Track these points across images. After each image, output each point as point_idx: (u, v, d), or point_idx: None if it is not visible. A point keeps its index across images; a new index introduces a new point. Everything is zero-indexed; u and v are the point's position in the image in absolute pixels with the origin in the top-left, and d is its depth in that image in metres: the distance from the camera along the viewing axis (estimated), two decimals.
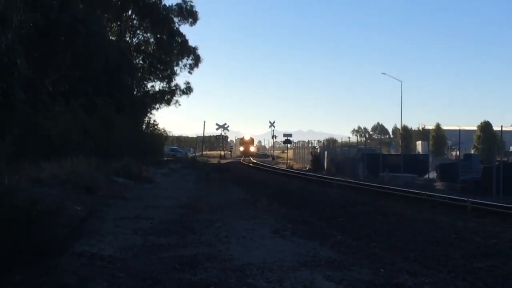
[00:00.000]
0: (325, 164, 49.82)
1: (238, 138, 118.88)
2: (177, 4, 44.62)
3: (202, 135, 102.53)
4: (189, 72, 47.55)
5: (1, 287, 4.41)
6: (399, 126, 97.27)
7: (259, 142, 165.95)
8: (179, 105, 48.30)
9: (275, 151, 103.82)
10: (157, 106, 46.90)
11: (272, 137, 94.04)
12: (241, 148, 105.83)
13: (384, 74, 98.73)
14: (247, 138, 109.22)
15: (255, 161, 73.23)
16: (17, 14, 10.48)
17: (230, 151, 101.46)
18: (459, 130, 37.15)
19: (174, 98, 47.32)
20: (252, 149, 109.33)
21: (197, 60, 47.47)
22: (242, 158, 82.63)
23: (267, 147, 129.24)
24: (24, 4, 20.44)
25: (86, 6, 30.61)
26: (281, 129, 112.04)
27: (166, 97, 46.59)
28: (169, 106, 47.59)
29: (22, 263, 4.64)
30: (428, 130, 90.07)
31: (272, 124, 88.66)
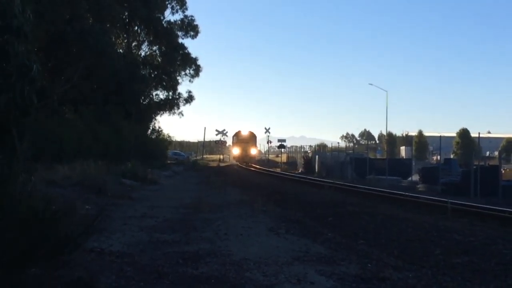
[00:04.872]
0: (316, 168, 49.83)
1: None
2: (180, 19, 44.86)
3: (202, 140, 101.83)
4: (190, 81, 47.62)
5: (20, 281, 4.43)
6: (384, 133, 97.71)
7: None
8: (182, 115, 48.34)
9: (270, 155, 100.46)
10: (161, 113, 46.90)
11: (267, 142, 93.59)
12: (236, 150, 73.52)
13: (371, 84, 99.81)
14: (245, 133, 74.50)
15: (254, 165, 61.73)
16: (30, 26, 10.50)
17: (229, 155, 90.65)
18: (440, 136, 37.29)
19: (178, 107, 47.25)
20: (254, 151, 75.37)
21: (197, 70, 47.52)
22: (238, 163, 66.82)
23: (263, 152, 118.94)
24: (38, 17, 20.44)
25: (95, 20, 30.65)
26: (275, 135, 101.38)
27: (169, 105, 46.53)
28: (173, 115, 47.52)
29: (38, 258, 4.66)
30: (411, 136, 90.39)
31: (267, 130, 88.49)
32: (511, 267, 7.28)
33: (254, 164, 64.24)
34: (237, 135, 75.57)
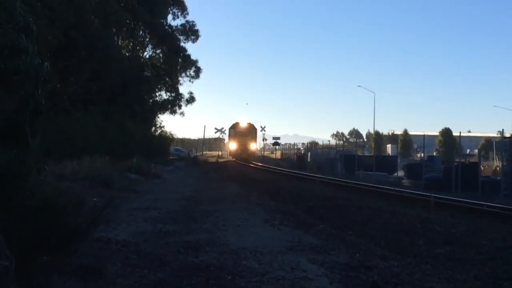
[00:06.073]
0: (308, 164, 49.81)
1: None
2: (182, 25, 44.81)
3: (202, 137, 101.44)
4: (190, 81, 47.36)
5: (32, 268, 4.44)
6: (372, 131, 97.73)
7: None
8: (183, 115, 48.10)
9: (265, 152, 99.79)
10: (164, 112, 46.63)
11: (263, 140, 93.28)
12: (233, 145, 59.24)
13: (360, 86, 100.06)
14: (243, 125, 59.48)
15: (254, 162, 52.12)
16: (39, 27, 10.50)
17: (227, 152, 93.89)
18: (424, 135, 37.44)
19: (179, 107, 46.86)
20: (253, 146, 61.25)
21: (197, 72, 47.18)
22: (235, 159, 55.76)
23: (259, 148, 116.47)
24: (47, 20, 20.37)
25: (102, 25, 30.57)
26: (270, 133, 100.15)
27: (171, 105, 46.25)
28: (175, 115, 47.11)
29: (49, 247, 4.66)
30: (397, 135, 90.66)
31: (263, 129, 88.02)
32: (490, 256, 7.33)
33: (254, 161, 52.93)
34: (234, 127, 59.82)
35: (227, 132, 66.01)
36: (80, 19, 25.58)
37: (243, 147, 57.34)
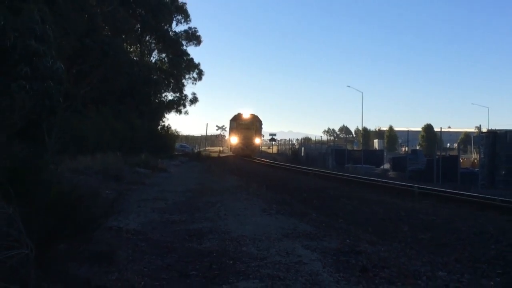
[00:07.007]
0: (302, 158, 49.79)
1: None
2: (185, 31, 44.75)
3: (205, 134, 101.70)
4: (193, 83, 47.19)
5: (49, 255, 4.45)
6: (360, 128, 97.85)
7: None
8: (187, 114, 47.91)
9: (263, 147, 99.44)
10: (170, 111, 46.54)
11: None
12: (235, 139, 48.72)
13: (349, 86, 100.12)
14: (246, 116, 49.02)
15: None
16: (54, 35, 10.47)
17: (227, 147, 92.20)
18: (408, 130, 37.51)
19: (184, 107, 46.67)
20: (258, 140, 50.66)
21: (200, 74, 47.04)
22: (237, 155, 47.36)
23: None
24: (61, 28, 20.28)
25: (112, 31, 30.51)
26: (267, 129, 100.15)
27: (176, 105, 46.16)
28: (179, 114, 46.93)
29: (66, 236, 4.67)
30: (383, 131, 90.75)
31: None
32: (469, 242, 7.36)
33: (257, 157, 45.77)
34: (236, 119, 49.44)
35: (227, 126, 57.32)
36: (91, 26, 25.51)
37: (246, 142, 47.84)
